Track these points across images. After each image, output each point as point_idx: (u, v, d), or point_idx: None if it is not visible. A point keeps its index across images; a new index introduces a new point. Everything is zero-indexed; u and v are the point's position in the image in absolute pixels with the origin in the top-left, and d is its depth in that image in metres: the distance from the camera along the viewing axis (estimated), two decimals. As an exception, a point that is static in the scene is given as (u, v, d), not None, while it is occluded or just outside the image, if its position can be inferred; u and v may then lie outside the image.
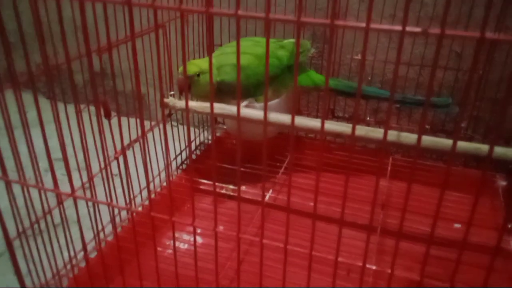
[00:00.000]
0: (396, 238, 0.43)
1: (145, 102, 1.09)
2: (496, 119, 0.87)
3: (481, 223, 0.76)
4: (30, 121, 0.47)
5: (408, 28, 0.29)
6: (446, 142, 0.56)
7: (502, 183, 0.84)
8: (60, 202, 0.53)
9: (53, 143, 0.48)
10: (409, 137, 0.58)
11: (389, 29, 0.31)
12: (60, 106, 0.49)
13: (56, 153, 0.48)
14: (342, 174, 0.85)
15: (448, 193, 0.81)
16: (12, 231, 0.52)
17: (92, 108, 0.53)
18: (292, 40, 0.84)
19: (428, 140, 0.50)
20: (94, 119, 0.52)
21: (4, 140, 0.46)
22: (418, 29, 0.30)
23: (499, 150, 0.57)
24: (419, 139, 0.40)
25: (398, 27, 0.29)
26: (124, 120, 0.52)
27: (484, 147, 0.54)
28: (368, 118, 0.94)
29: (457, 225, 0.79)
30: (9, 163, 0.48)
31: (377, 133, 0.57)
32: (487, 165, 0.39)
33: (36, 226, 0.54)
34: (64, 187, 0.50)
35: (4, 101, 0.45)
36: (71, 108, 0.49)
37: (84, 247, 0.54)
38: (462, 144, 0.56)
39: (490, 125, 0.88)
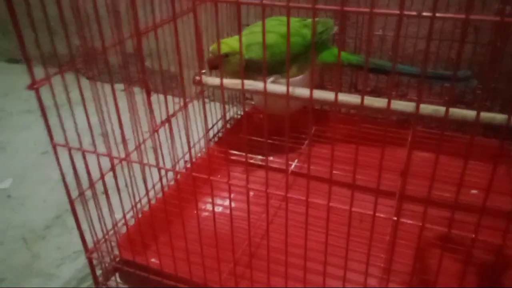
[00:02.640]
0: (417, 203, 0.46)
1: (178, 80, 1.14)
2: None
3: (496, 189, 0.78)
4: (74, 100, 0.53)
5: (405, 12, 0.32)
6: (468, 113, 0.59)
7: (520, 151, 0.86)
8: (113, 167, 0.58)
9: (94, 120, 0.53)
10: (428, 108, 0.61)
11: (387, 13, 0.34)
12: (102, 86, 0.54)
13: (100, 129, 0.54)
14: (364, 145, 0.88)
15: (465, 161, 0.83)
16: (73, 192, 0.58)
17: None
18: (316, 19, 0.86)
19: (450, 111, 0.53)
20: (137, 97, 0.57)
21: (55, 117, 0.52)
22: (413, 13, 0.33)
23: None
24: (446, 111, 0.43)
25: (395, 11, 0.32)
26: (161, 97, 0.57)
27: (500, 117, 0.56)
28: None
29: (474, 191, 0.81)
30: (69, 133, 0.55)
31: (397, 105, 0.60)
32: (504, 134, 0.42)
33: (92, 188, 0.60)
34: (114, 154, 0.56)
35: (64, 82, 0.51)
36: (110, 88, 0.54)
37: (136, 205, 0.60)
38: (482, 115, 0.58)
39: (507, 96, 0.89)
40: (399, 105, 0.65)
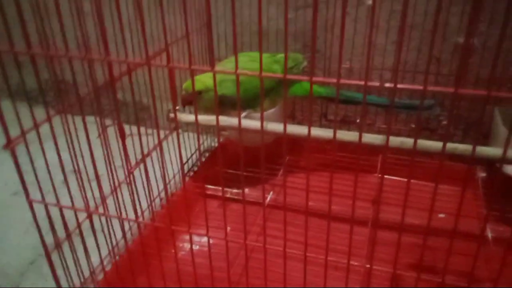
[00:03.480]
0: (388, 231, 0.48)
1: (151, 114, 1.14)
2: (475, 117, 0.92)
3: (463, 212, 0.82)
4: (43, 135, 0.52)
5: (369, 83, 0.34)
6: (433, 145, 0.62)
7: (482, 174, 0.90)
8: (77, 219, 0.58)
9: (65, 156, 0.53)
10: (396, 141, 0.64)
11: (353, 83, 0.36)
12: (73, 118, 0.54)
13: (69, 166, 0.54)
14: (337, 173, 0.90)
15: (432, 186, 0.87)
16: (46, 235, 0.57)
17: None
18: (284, 54, 0.89)
19: (405, 141, 0.56)
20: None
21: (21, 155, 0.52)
22: (376, 83, 0.35)
23: (480, 150, 0.63)
24: (415, 143, 0.46)
25: (361, 82, 0.35)
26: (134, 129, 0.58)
27: (467, 148, 0.60)
28: (358, 121, 1.00)
29: (441, 215, 0.84)
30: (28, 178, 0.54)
31: (367, 138, 0.63)
32: (465, 162, 0.44)
33: (68, 238, 0.59)
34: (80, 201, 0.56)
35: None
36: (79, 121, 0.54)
37: (101, 259, 0.60)
38: (447, 146, 0.62)
39: (468, 122, 0.93)
40: (368, 138, 0.68)
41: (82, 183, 0.56)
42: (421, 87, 0.37)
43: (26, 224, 0.89)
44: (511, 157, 0.58)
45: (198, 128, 0.56)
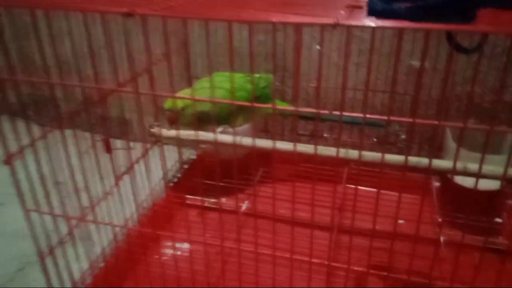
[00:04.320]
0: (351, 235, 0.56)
1: (133, 128, 1.20)
2: (429, 132, 1.02)
3: (419, 218, 0.91)
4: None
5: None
6: (396, 158, 0.72)
7: (436, 184, 0.99)
8: (70, 226, 0.64)
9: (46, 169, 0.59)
10: (357, 154, 0.73)
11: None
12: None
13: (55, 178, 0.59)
14: (305, 183, 0.98)
15: (392, 194, 0.96)
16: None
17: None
18: (257, 75, 0.97)
19: (373, 156, 0.64)
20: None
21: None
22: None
23: (435, 163, 0.72)
24: (382, 157, 0.54)
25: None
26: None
27: (423, 161, 0.69)
28: (325, 135, 1.08)
29: (400, 221, 0.93)
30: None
31: (329, 151, 0.71)
32: (419, 172, 0.53)
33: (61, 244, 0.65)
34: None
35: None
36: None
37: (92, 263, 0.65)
38: (399, 158, 0.71)
39: (423, 136, 1.03)
40: (326, 150, 0.77)
41: (75, 193, 0.62)
42: (361, 115, 0.44)
43: (12, 234, 0.93)
44: (461, 169, 0.68)
45: (180, 148, 0.62)
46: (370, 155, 0.69)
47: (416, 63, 0.96)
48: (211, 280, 0.79)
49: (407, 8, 0.42)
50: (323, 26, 0.38)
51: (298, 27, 0.40)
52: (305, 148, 0.67)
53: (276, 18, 0.40)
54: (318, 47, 0.98)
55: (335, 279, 0.78)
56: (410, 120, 0.46)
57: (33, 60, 0.56)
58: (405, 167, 0.59)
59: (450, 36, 0.53)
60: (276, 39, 1.04)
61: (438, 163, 0.73)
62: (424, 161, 0.73)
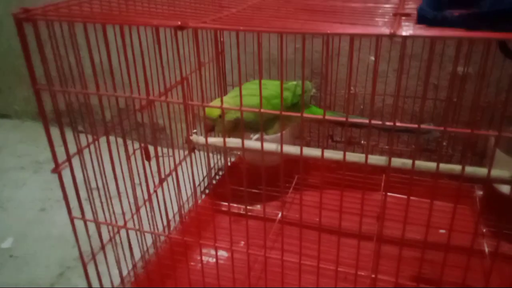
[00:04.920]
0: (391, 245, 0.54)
1: (170, 135, 1.22)
2: (471, 139, 0.98)
3: (462, 228, 0.87)
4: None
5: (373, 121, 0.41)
6: (431, 165, 0.70)
7: (479, 192, 0.96)
8: (113, 233, 0.65)
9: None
10: (397, 162, 0.71)
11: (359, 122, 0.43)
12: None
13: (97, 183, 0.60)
14: (343, 191, 0.96)
15: (434, 203, 0.93)
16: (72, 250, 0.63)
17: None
18: (295, 82, 0.96)
19: (416, 164, 0.63)
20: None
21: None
22: (379, 122, 0.42)
23: (470, 170, 0.70)
24: (413, 164, 0.53)
25: (366, 121, 0.41)
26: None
27: (457, 168, 0.66)
28: (362, 142, 1.06)
29: (442, 231, 0.90)
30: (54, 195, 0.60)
31: (371, 159, 0.70)
32: (462, 181, 0.51)
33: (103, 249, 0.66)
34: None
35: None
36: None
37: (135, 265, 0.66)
38: (443, 166, 0.69)
39: (465, 143, 1.00)
40: (374, 159, 0.75)
41: (111, 200, 0.62)
42: (416, 126, 0.43)
43: (53, 239, 0.95)
44: (505, 177, 0.65)
45: (225, 150, 0.62)
46: (418, 164, 0.67)
47: (460, 69, 0.93)
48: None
49: (461, 15, 0.40)
50: (379, 37, 0.37)
51: (351, 37, 0.39)
52: (352, 157, 0.65)
53: (329, 29, 0.39)
54: (372, 58, 0.97)
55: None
56: (441, 128, 0.44)
57: (82, 69, 0.57)
58: (441, 174, 0.56)
59: (502, 44, 0.51)
60: (305, 46, 1.04)
61: (478, 171, 0.70)
62: (472, 170, 0.70)
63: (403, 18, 0.47)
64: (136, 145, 0.66)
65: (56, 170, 0.55)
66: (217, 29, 0.47)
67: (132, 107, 0.70)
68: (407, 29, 0.37)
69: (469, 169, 0.73)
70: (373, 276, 0.56)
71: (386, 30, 0.36)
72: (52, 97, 0.54)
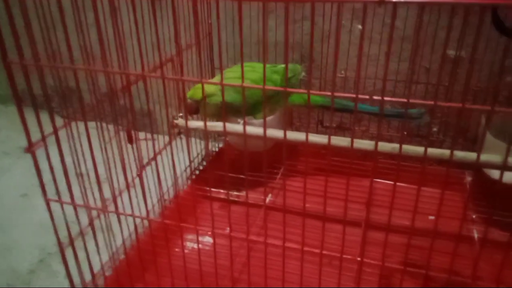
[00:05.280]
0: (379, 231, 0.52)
1: (156, 119, 1.19)
2: (462, 124, 0.97)
3: (452, 215, 0.86)
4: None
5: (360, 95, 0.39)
6: (420, 150, 0.68)
7: (470, 179, 0.94)
8: (90, 217, 0.62)
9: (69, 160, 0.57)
10: (387, 146, 0.69)
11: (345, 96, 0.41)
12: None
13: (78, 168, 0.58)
14: (332, 177, 0.95)
15: (423, 190, 0.91)
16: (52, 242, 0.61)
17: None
18: (283, 65, 0.93)
19: (404, 148, 0.61)
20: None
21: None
22: (366, 97, 0.39)
23: (460, 154, 0.68)
24: (400, 148, 0.51)
25: (352, 95, 0.39)
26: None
27: (447, 152, 0.65)
28: (353, 128, 1.04)
29: (431, 217, 0.89)
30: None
31: (359, 143, 0.68)
32: (452, 167, 0.49)
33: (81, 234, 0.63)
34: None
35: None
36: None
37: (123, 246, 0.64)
38: (432, 151, 0.67)
39: (456, 129, 0.98)
40: (361, 143, 0.73)
41: (98, 184, 0.60)
42: (405, 100, 0.41)
43: (34, 225, 0.93)
44: (495, 162, 0.63)
45: (206, 133, 0.59)
46: (393, 147, 0.65)
47: (451, 53, 0.91)
48: (234, 275, 0.76)
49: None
50: (365, 4, 0.34)
51: (340, 4, 0.37)
52: (339, 141, 0.63)
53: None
54: (360, 27, 0.94)
55: (365, 276, 0.74)
56: (431, 103, 0.42)
57: (59, 51, 0.54)
58: (429, 158, 0.55)
59: (495, 15, 0.49)
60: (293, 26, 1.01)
61: (469, 155, 0.69)
62: (462, 154, 0.68)
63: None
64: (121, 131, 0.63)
65: (30, 149, 0.52)
66: (195, -1, 0.44)
67: (114, 88, 0.67)
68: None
69: (459, 154, 0.72)
70: (359, 259, 0.54)
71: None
72: (24, 72, 0.51)
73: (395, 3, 0.33)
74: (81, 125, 0.58)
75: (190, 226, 0.58)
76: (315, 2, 0.37)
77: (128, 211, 0.64)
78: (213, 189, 0.94)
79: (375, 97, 0.42)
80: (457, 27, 0.87)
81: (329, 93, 0.44)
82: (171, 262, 0.64)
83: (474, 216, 0.83)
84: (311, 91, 0.44)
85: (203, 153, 1.09)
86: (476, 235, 0.81)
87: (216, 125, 0.77)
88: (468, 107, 0.40)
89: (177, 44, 0.55)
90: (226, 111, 0.87)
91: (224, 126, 0.70)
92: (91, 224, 0.62)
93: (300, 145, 1.08)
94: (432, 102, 0.41)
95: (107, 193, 0.62)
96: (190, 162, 1.04)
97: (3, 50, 0.49)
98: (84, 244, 0.62)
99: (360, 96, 0.42)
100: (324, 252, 0.51)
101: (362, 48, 0.39)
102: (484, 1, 0.34)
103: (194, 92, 0.86)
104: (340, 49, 0.99)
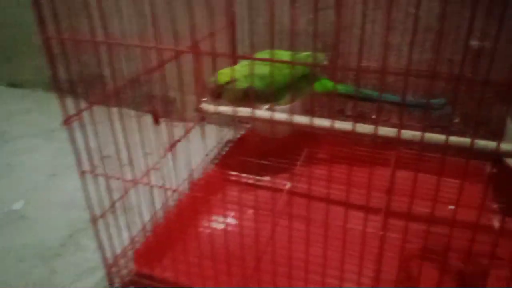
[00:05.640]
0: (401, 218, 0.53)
1: (179, 106, 1.21)
2: (483, 116, 0.97)
3: (472, 204, 0.87)
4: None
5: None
6: (441, 138, 0.69)
7: (491, 169, 0.94)
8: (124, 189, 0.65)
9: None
10: (408, 134, 0.70)
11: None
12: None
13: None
14: (353, 165, 0.96)
15: (444, 180, 0.92)
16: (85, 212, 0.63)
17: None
18: (307, 53, 0.95)
19: (425, 136, 0.62)
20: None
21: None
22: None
23: (481, 143, 0.69)
24: (422, 136, 0.52)
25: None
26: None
27: (468, 141, 0.66)
28: (373, 116, 1.05)
29: (451, 207, 0.89)
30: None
31: (381, 131, 0.69)
32: (472, 157, 0.50)
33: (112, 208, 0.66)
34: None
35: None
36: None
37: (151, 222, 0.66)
38: (453, 139, 0.68)
39: (477, 120, 0.98)
40: (383, 130, 0.74)
41: (129, 160, 0.62)
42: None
43: (63, 203, 0.96)
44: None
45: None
46: (414, 134, 0.67)
47: (475, 44, 0.91)
48: (259, 254, 0.78)
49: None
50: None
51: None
52: (362, 128, 0.64)
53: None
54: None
55: (385, 260, 0.75)
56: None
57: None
58: (457, 150, 0.56)
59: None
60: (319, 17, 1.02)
61: (490, 144, 0.70)
62: (484, 143, 0.69)
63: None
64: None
65: (67, 122, 0.54)
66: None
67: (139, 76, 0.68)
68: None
69: (480, 143, 0.72)
70: (381, 233, 0.56)
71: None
72: (62, 46, 0.53)
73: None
74: (105, 110, 0.60)
75: (215, 200, 0.60)
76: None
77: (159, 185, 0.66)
78: (234, 173, 0.96)
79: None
80: (480, 18, 0.87)
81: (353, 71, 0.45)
82: (197, 240, 0.66)
83: (494, 206, 0.84)
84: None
85: (227, 137, 1.11)
86: (496, 225, 0.82)
87: (243, 111, 0.78)
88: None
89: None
90: (249, 97, 0.89)
91: (253, 112, 0.72)
92: (123, 197, 0.65)
93: (321, 132, 1.10)
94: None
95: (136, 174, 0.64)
96: (214, 147, 1.06)
97: (42, 26, 0.51)
98: (115, 218, 0.65)
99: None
100: (349, 225, 0.52)
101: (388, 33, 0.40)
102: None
103: (218, 78, 0.87)
104: (362, 39, 1.00)
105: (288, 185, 0.94)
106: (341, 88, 0.94)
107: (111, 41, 0.54)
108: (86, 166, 0.60)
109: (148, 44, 0.54)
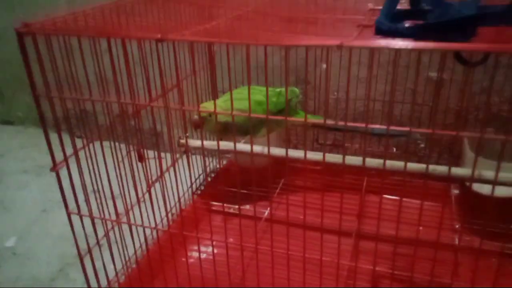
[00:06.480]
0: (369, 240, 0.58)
1: (164, 139, 1.26)
2: (448, 141, 1.03)
3: (437, 224, 0.91)
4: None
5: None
6: (402, 164, 0.74)
7: (455, 191, 1.00)
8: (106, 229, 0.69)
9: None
10: (373, 162, 0.75)
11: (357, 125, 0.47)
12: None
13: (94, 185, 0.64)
14: (327, 191, 1.00)
15: (412, 202, 0.97)
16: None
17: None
18: (278, 90, 1.00)
19: (393, 164, 0.67)
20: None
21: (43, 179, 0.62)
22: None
23: (440, 169, 0.74)
24: (384, 163, 0.57)
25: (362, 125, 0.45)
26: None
27: (441, 168, 0.71)
28: (346, 145, 1.10)
29: (420, 228, 0.94)
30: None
31: (350, 160, 0.74)
32: (435, 179, 0.55)
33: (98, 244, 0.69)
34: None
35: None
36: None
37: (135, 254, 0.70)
38: (413, 166, 0.73)
39: (442, 145, 1.04)
40: (351, 160, 0.79)
41: (112, 199, 0.66)
42: (384, 127, 0.47)
43: (53, 237, 0.99)
44: (478, 177, 0.69)
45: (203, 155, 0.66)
46: (391, 164, 0.72)
47: (433, 75, 0.97)
48: (234, 281, 0.82)
49: (410, 27, 0.44)
50: (328, 47, 0.41)
51: (307, 48, 0.44)
52: (332, 158, 0.70)
53: (287, 41, 0.43)
54: (324, 66, 1.01)
55: (355, 281, 0.79)
56: (430, 131, 0.49)
57: (77, 78, 0.62)
58: (425, 175, 0.61)
59: (456, 52, 0.55)
60: (288, 58, 1.08)
61: (456, 171, 0.74)
62: (442, 169, 0.74)
63: (366, 29, 0.51)
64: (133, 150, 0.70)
65: (55, 168, 0.59)
66: (193, 41, 0.51)
67: (126, 113, 0.73)
68: (360, 40, 0.42)
69: (439, 168, 0.77)
70: (352, 264, 0.60)
71: (335, 41, 0.40)
72: (50, 103, 0.58)
73: (350, 47, 0.40)
74: (96, 145, 0.65)
75: (191, 235, 0.64)
76: (288, 47, 0.44)
77: (139, 224, 0.70)
78: (215, 203, 1.00)
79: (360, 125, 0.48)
80: (437, 52, 0.94)
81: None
82: (178, 270, 0.70)
83: (457, 226, 0.88)
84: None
85: (208, 169, 1.16)
86: (457, 243, 0.86)
87: (223, 144, 0.83)
88: (462, 134, 0.46)
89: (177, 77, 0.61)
90: (230, 131, 0.94)
91: (235, 146, 0.77)
92: (106, 235, 0.69)
93: (296, 162, 1.15)
94: (430, 131, 0.47)
95: (120, 207, 0.68)
96: (198, 178, 1.10)
97: (33, 85, 0.57)
98: (101, 253, 0.68)
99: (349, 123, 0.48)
100: (324, 258, 0.56)
101: (329, 85, 0.46)
102: (446, 47, 0.40)
103: (204, 107, 0.93)
104: (331, 72, 1.06)
105: (266, 213, 0.98)
106: (314, 119, 1.00)
107: (92, 99, 0.59)
108: (73, 206, 0.65)
109: (124, 100, 0.59)
